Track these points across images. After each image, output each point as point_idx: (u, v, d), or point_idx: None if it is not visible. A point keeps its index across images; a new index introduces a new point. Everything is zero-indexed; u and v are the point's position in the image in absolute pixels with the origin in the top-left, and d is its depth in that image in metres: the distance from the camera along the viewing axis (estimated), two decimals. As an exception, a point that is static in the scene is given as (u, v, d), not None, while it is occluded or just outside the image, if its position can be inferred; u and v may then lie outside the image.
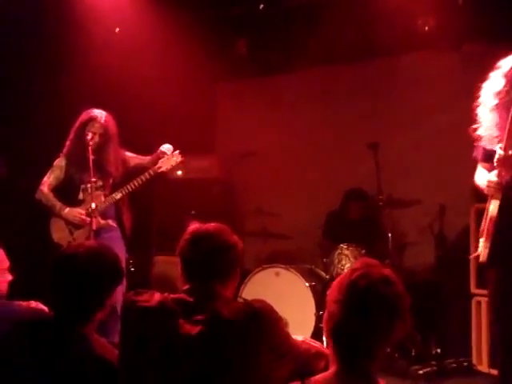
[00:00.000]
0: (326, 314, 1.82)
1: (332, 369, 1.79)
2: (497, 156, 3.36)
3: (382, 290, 1.74)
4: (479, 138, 3.59)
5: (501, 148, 3.31)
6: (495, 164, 3.36)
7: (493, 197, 3.45)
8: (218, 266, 2.14)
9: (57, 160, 4.52)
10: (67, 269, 2.24)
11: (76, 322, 2.19)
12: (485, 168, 3.63)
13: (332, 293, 1.82)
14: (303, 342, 2.21)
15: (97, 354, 2.11)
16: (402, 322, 1.75)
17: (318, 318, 5.04)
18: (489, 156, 3.56)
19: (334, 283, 1.84)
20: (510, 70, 3.46)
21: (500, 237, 3.39)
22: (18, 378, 2.09)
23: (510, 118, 3.30)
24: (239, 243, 2.22)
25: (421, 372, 4.78)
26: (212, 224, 2.23)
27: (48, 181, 4.48)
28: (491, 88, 3.57)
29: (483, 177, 3.56)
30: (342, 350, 1.78)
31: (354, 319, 1.73)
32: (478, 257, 3.53)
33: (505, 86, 3.43)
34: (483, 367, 4.87)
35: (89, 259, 2.23)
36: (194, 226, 2.23)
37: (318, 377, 1.80)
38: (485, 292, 4.93)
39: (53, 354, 2.10)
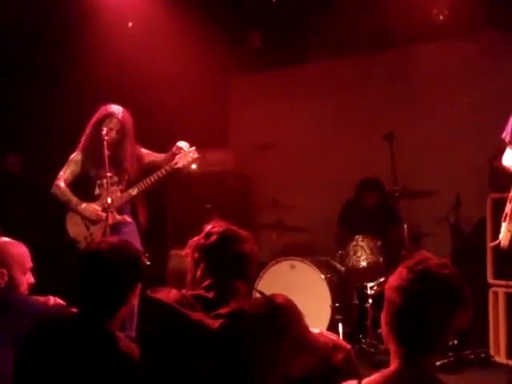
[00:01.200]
0: (385, 305, 1.79)
1: (392, 367, 1.75)
2: None
3: (441, 273, 1.72)
4: None
5: None
6: None
7: None
8: (246, 270, 2.20)
9: (73, 155, 4.53)
10: (91, 265, 2.25)
11: (101, 318, 2.19)
12: None
13: (391, 281, 1.78)
14: (320, 334, 2.21)
15: (123, 352, 2.12)
16: (462, 310, 1.71)
17: (334, 310, 5.04)
18: None
19: (393, 274, 1.80)
20: None
21: None
22: (45, 375, 2.11)
23: None
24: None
25: (438, 363, 4.76)
26: (243, 230, 2.27)
27: (64, 175, 4.48)
28: None
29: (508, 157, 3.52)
30: (405, 340, 1.74)
31: (415, 304, 1.71)
32: (499, 244, 3.51)
33: None
34: (501, 358, 4.85)
35: (112, 255, 2.24)
36: (217, 223, 2.24)
37: (377, 376, 1.75)
38: (502, 282, 4.92)
39: (79, 352, 2.11)
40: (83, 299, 2.24)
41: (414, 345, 1.72)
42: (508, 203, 3.57)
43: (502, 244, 3.53)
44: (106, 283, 2.21)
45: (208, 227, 2.25)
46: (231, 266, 2.15)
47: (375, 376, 1.75)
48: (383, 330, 1.79)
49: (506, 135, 3.71)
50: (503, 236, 3.49)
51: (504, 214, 3.59)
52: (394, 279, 1.77)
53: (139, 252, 2.37)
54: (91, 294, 2.22)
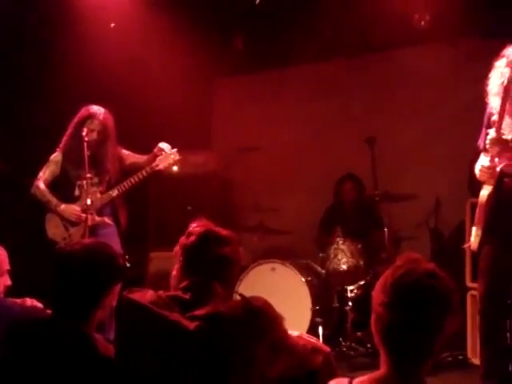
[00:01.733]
0: (373, 317, 1.74)
1: (382, 370, 1.73)
2: (489, 137, 3.41)
3: (428, 285, 1.66)
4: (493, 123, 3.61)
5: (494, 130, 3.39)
6: (487, 145, 3.41)
7: (485, 183, 3.48)
8: (226, 273, 2.17)
9: (53, 155, 4.51)
10: (65, 267, 2.24)
11: (76, 320, 2.18)
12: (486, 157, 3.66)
13: (376, 295, 1.72)
14: (299, 337, 2.21)
15: (98, 353, 2.11)
16: (453, 317, 1.67)
17: (314, 313, 5.06)
18: None
19: (378, 284, 1.74)
20: None
21: (489, 223, 3.43)
22: (20, 377, 2.09)
23: (500, 101, 3.36)
24: (243, 255, 2.27)
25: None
26: (225, 230, 2.23)
27: (44, 176, 4.47)
28: (497, 76, 3.62)
29: (479, 164, 3.60)
30: (393, 353, 1.71)
31: (404, 320, 1.66)
32: (469, 246, 3.58)
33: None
34: (478, 360, 4.89)
35: (86, 257, 2.24)
36: (201, 223, 2.21)
37: (367, 377, 1.75)
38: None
39: (54, 354, 2.10)
40: (57, 301, 2.23)
41: (404, 357, 1.70)
42: (477, 208, 3.63)
43: (471, 247, 3.60)
44: (79, 285, 2.20)
45: (191, 226, 2.23)
46: (209, 267, 2.12)
47: (366, 377, 1.75)
48: (374, 336, 1.75)
49: (480, 142, 3.79)
50: (473, 240, 3.56)
51: (475, 219, 3.66)
52: (380, 292, 1.71)
53: (115, 253, 2.36)
54: (65, 296, 2.21)
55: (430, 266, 1.73)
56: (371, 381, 1.73)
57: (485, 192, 3.49)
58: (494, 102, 3.58)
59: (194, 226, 2.22)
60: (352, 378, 1.76)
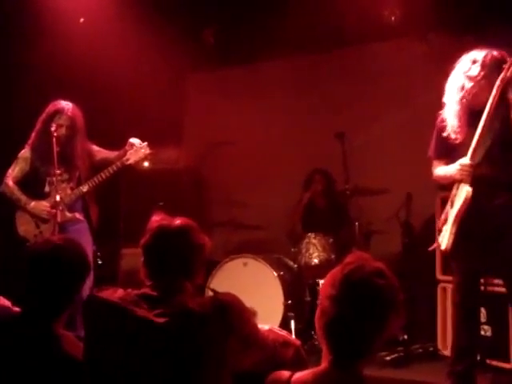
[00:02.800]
0: (318, 311, 1.78)
1: (323, 365, 1.77)
2: (461, 162, 3.44)
3: (375, 283, 1.70)
4: (444, 128, 3.66)
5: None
6: (457, 171, 3.45)
7: (462, 181, 3.51)
8: (186, 264, 2.11)
9: (22, 152, 4.46)
10: (34, 265, 2.22)
11: (44, 318, 2.16)
12: (441, 165, 3.71)
13: (325, 288, 1.76)
14: (270, 331, 2.22)
15: (65, 351, 2.10)
16: (396, 316, 1.72)
17: (287, 307, 5.08)
18: (446, 150, 3.65)
19: (326, 279, 1.78)
20: (469, 68, 3.56)
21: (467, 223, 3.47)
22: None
23: (479, 130, 3.39)
24: (208, 242, 2.20)
25: (388, 358, 4.85)
26: (180, 220, 2.17)
27: (13, 173, 4.42)
28: (455, 82, 3.67)
29: (449, 166, 3.63)
30: (335, 347, 1.74)
31: (348, 315, 1.70)
32: (439, 246, 3.61)
33: (463, 84, 3.54)
34: (448, 351, 4.96)
35: (55, 254, 2.22)
36: (159, 218, 2.18)
37: (308, 372, 1.78)
38: (450, 278, 5.03)
39: (21, 352, 2.08)
40: (26, 299, 2.22)
41: (343, 351, 1.74)
42: (447, 205, 3.67)
43: (443, 247, 3.63)
44: (47, 283, 2.18)
45: (149, 224, 2.19)
46: (169, 263, 2.09)
47: (307, 372, 1.79)
48: (317, 331, 1.79)
49: (431, 153, 3.85)
50: (442, 240, 3.59)
51: (442, 218, 3.70)
52: (329, 286, 1.75)
53: (83, 250, 2.34)
54: (34, 294, 2.19)
55: (379, 264, 1.77)
56: (312, 375, 1.76)
57: (465, 190, 3.50)
58: (450, 117, 3.63)
59: (149, 224, 2.17)
60: (293, 373, 1.79)
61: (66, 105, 4.40)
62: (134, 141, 4.50)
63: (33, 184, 4.45)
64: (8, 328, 2.16)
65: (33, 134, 4.45)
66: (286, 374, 1.81)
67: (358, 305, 1.69)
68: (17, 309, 2.34)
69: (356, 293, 1.70)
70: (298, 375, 1.78)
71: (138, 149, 4.46)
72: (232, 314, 1.94)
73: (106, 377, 1.97)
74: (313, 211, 6.01)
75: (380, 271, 1.74)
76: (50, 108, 4.40)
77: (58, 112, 4.36)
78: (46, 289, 2.19)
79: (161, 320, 1.90)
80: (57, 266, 2.20)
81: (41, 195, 4.41)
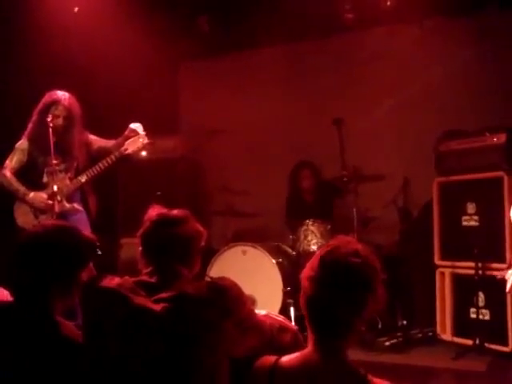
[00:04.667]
0: (301, 293, 1.83)
1: (307, 347, 1.81)
2: None
3: (349, 263, 1.73)
4: None
5: None
6: None
7: None
8: (183, 252, 2.15)
9: (19, 143, 4.45)
10: (26, 250, 2.22)
11: (36, 304, 2.16)
12: None
13: (305, 270, 1.82)
14: (267, 316, 2.23)
15: (63, 335, 2.10)
16: (373, 295, 1.75)
17: (286, 294, 5.10)
18: None
19: (309, 261, 1.83)
20: None
21: None
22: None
23: None
24: (204, 231, 2.25)
25: (387, 343, 4.89)
26: (178, 210, 2.23)
27: (11, 164, 4.40)
28: None
29: None
30: (315, 327, 1.79)
31: (325, 294, 1.74)
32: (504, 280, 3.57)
33: None
34: (447, 336, 5.00)
35: (48, 239, 2.21)
36: (156, 209, 2.23)
37: (294, 355, 1.82)
38: (448, 263, 5.06)
39: (18, 340, 2.08)
40: (19, 286, 2.21)
41: (324, 332, 1.77)
42: None
43: (507, 287, 3.59)
44: (41, 268, 2.18)
45: (146, 215, 2.25)
46: (167, 250, 2.12)
47: (293, 355, 1.82)
48: (303, 313, 1.84)
49: None
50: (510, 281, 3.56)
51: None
52: (308, 267, 1.81)
53: (77, 236, 2.33)
54: (24, 280, 2.19)
55: (358, 246, 1.80)
56: (297, 359, 1.80)
57: None
58: None
59: (147, 214, 2.23)
60: (280, 357, 1.83)
61: (62, 95, 4.38)
62: (135, 126, 4.48)
63: (31, 175, 4.43)
64: (3, 315, 2.16)
65: (29, 125, 4.44)
66: (271, 358, 1.85)
67: (333, 285, 1.73)
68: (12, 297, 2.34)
69: (331, 273, 1.74)
70: (284, 359, 1.82)
71: (136, 139, 4.45)
72: (228, 298, 1.96)
73: (104, 364, 1.98)
74: (300, 205, 6.06)
75: (356, 251, 1.77)
76: (47, 98, 4.38)
77: (55, 102, 4.34)
78: (35, 273, 2.18)
79: (158, 306, 1.92)
80: (46, 250, 2.19)
81: (39, 186, 4.41)
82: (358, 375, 1.73)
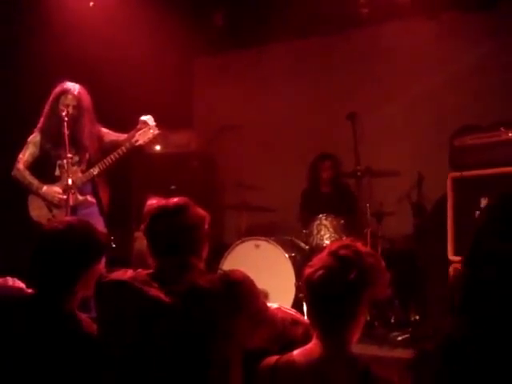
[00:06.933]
0: (306, 286, 1.88)
1: (312, 342, 1.84)
2: None
3: (350, 258, 1.80)
4: None
5: None
6: None
7: None
8: (189, 240, 2.14)
9: (31, 136, 4.45)
10: (43, 244, 2.25)
11: (57, 298, 2.19)
12: None
13: (312, 263, 1.89)
14: (279, 309, 2.24)
15: (82, 331, 2.12)
16: (373, 289, 1.80)
17: (298, 288, 5.10)
18: None
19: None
20: None
21: None
22: (3, 357, 2.09)
23: None
24: (207, 215, 2.22)
25: (399, 338, 4.87)
26: (176, 199, 2.20)
27: (24, 158, 4.40)
28: None
29: None
30: (320, 319, 1.83)
31: (334, 284, 1.79)
32: None
33: None
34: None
35: (69, 234, 2.24)
36: (154, 201, 2.21)
37: (296, 352, 1.84)
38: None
39: (37, 332, 2.11)
40: (39, 279, 2.24)
41: (326, 327, 1.82)
42: None
43: None
44: (60, 262, 2.20)
45: (145, 209, 2.22)
46: (171, 241, 2.11)
47: (295, 352, 1.85)
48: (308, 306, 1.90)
49: None
50: None
51: None
52: (317, 260, 1.88)
53: (96, 231, 2.35)
54: (46, 274, 2.21)
55: (361, 246, 1.87)
56: (299, 355, 1.83)
57: None
58: None
59: (145, 209, 2.22)
60: (281, 356, 1.86)
61: (72, 86, 4.37)
62: (146, 117, 4.47)
63: (43, 168, 4.43)
64: (22, 308, 2.19)
65: (41, 119, 4.43)
66: (273, 358, 1.86)
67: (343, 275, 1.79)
68: (30, 290, 2.37)
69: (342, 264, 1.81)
70: (285, 357, 1.84)
71: (146, 130, 4.42)
72: (241, 291, 1.96)
73: (118, 356, 2.00)
74: (317, 197, 6.03)
75: (348, 244, 1.86)
76: (57, 89, 4.37)
77: (64, 92, 4.33)
78: (58, 268, 2.20)
79: (172, 298, 1.93)
80: (65, 245, 2.22)
81: (52, 179, 4.41)
82: (361, 367, 1.74)
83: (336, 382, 1.74)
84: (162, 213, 2.16)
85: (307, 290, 1.85)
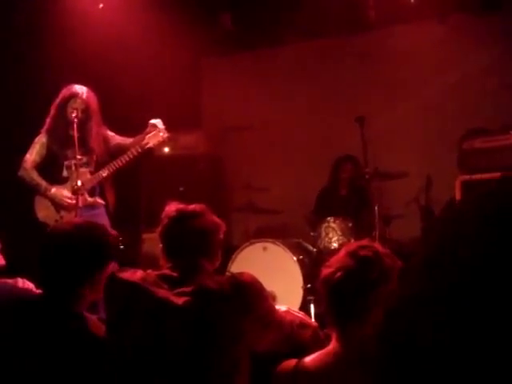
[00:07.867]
0: (323, 284, 1.89)
1: (331, 344, 1.83)
2: None
3: (369, 258, 1.80)
4: None
5: None
6: None
7: None
8: (204, 245, 2.19)
9: (37, 137, 4.42)
10: (53, 245, 2.25)
11: (66, 299, 2.19)
12: None
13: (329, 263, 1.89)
14: (287, 312, 2.24)
15: (88, 330, 2.12)
16: (386, 286, 1.79)
17: (306, 291, 5.09)
18: None
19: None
20: None
21: None
22: (12, 357, 2.10)
23: None
24: (222, 224, 2.29)
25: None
26: (195, 205, 2.27)
27: (31, 158, 4.38)
28: None
29: None
30: (340, 316, 1.83)
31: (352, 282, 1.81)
32: None
33: None
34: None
35: (78, 235, 2.24)
36: (173, 206, 2.26)
37: (315, 355, 1.83)
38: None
39: (47, 333, 2.11)
40: (47, 280, 2.24)
41: (345, 328, 1.82)
42: None
43: None
44: (70, 263, 2.20)
45: (164, 212, 2.28)
46: (188, 244, 2.16)
47: (314, 355, 1.84)
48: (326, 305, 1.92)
49: None
50: None
51: None
52: (333, 260, 1.88)
53: (107, 233, 2.36)
54: (55, 275, 2.22)
55: (379, 247, 1.89)
56: (319, 358, 1.82)
57: None
58: None
59: (165, 211, 2.27)
60: (300, 359, 1.85)
61: (79, 89, 4.36)
62: (155, 121, 4.46)
63: (50, 169, 4.42)
64: (33, 308, 2.19)
65: (48, 120, 4.42)
66: (292, 361, 1.85)
67: (356, 274, 1.81)
68: (39, 291, 2.38)
69: (352, 266, 1.81)
70: (305, 360, 1.83)
71: (156, 132, 4.41)
72: (249, 293, 1.97)
73: (127, 357, 2.00)
74: (335, 197, 6.01)
75: (376, 250, 1.86)
76: (65, 92, 4.36)
77: (73, 96, 4.33)
78: (68, 269, 2.21)
79: (181, 300, 1.94)
80: (73, 245, 2.22)
81: (59, 180, 4.40)
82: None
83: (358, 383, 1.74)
84: (179, 217, 2.22)
85: (326, 290, 1.86)
